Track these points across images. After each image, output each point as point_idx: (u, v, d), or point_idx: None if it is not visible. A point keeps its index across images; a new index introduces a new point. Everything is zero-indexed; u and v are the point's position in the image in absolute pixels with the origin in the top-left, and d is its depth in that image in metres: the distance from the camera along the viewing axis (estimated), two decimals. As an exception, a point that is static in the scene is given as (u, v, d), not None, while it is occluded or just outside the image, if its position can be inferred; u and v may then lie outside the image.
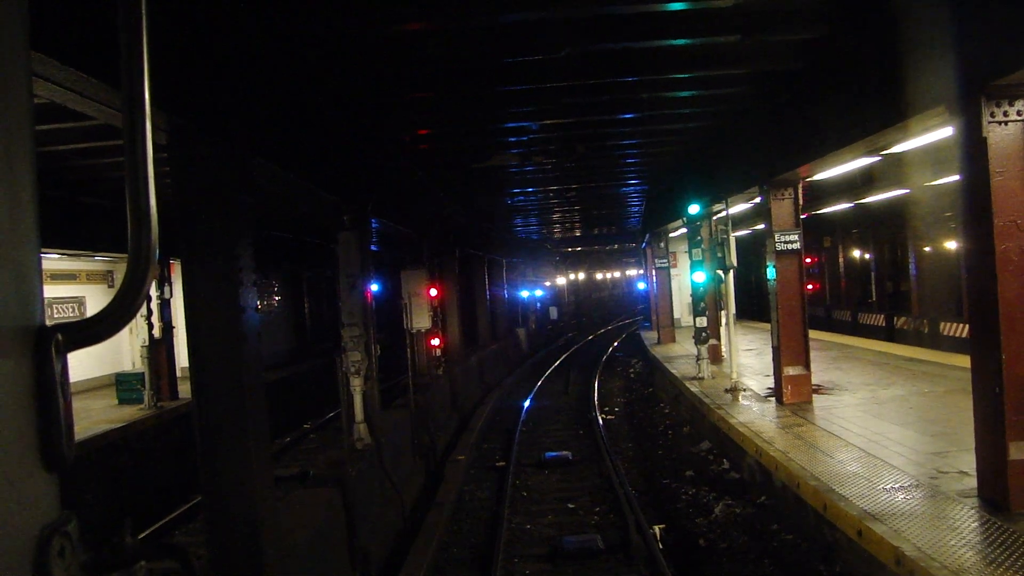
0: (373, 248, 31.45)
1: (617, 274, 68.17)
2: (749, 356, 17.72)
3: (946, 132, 7.50)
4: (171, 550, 1.50)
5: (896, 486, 6.94)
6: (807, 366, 11.31)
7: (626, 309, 58.14)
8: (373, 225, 21.39)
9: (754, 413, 10.96)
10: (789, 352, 11.21)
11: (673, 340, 22.51)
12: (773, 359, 11.60)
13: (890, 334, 26.24)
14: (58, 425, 1.20)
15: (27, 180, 1.20)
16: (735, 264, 12.74)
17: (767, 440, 9.16)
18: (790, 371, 11.25)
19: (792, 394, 11.23)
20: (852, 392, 11.90)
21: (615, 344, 35.45)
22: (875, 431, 9.01)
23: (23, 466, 1.15)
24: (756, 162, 11.52)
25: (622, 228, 37.33)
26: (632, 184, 20.78)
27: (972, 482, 6.61)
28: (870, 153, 9.56)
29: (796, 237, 11.17)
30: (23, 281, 1.18)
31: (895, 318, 26.98)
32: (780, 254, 11.17)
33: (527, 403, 20.90)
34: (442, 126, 11.28)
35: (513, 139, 12.29)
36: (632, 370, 26.90)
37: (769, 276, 11.49)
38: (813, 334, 23.84)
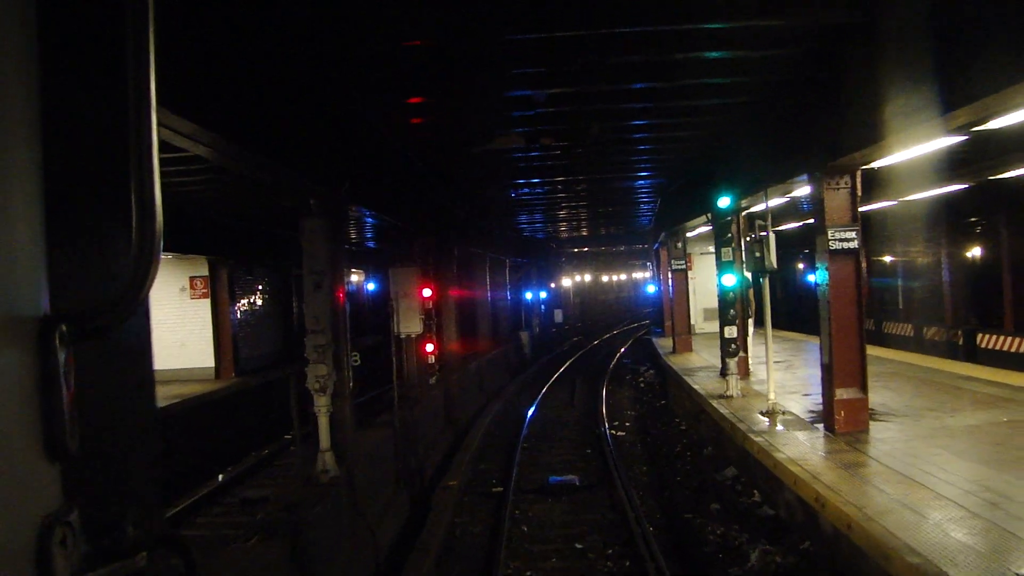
0: (369, 245, 29.73)
1: (623, 276, 66.60)
2: (778, 370, 15.87)
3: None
4: (172, 542, 1.54)
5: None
6: (864, 388, 9.48)
7: (632, 313, 56.69)
8: (367, 220, 19.73)
9: (803, 446, 9.12)
10: (843, 371, 9.39)
11: (690, 349, 20.66)
12: (822, 379, 9.79)
13: (919, 344, 24.49)
14: (61, 416, 1.21)
15: (33, 172, 1.23)
16: (775, 266, 10.94)
17: (831, 486, 7.30)
18: (843, 394, 9.43)
19: (845, 422, 9.41)
20: (913, 419, 10.06)
21: (622, 350, 33.76)
22: (968, 477, 7.14)
23: (26, 456, 1.16)
24: (805, 144, 9.71)
25: (630, 228, 35.92)
26: (644, 177, 18.98)
27: None
28: (956, 131, 7.74)
29: (853, 235, 9.37)
30: (28, 271, 1.19)
31: (924, 328, 25.23)
32: (834, 254, 9.36)
33: (529, 415, 19.15)
34: (437, 93, 9.46)
35: (518, 114, 10.46)
36: (642, 379, 25.22)
37: (819, 280, 9.69)
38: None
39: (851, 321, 9.46)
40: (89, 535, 1.27)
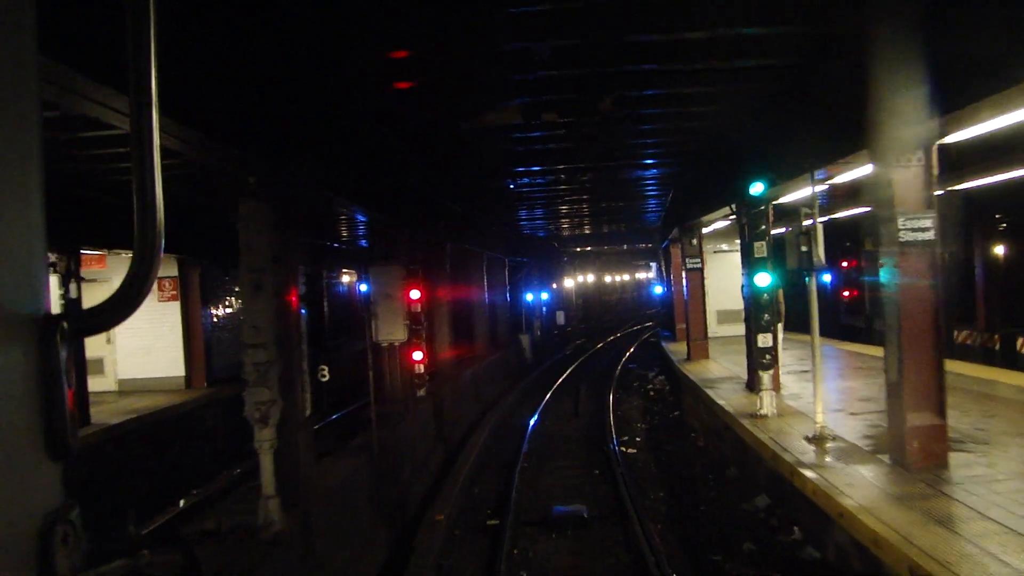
0: (362, 244, 28.00)
1: (626, 277, 64.86)
2: (802, 381, 14.09)
3: None
4: (175, 541, 1.64)
5: None
6: (942, 413, 7.66)
7: (636, 315, 55.13)
8: (358, 217, 17.91)
9: (871, 487, 7.29)
10: (915, 392, 7.58)
11: (707, 356, 18.83)
12: (888, 400, 7.97)
13: (949, 349, 22.72)
14: (63, 414, 1.20)
15: (34, 173, 1.22)
16: (824, 261, 9.15)
17: (930, 553, 5.44)
18: (916, 420, 7.61)
19: (921, 454, 7.59)
20: (997, 447, 8.26)
21: (628, 354, 32.01)
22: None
23: (28, 454, 1.15)
24: (867, 113, 7.90)
25: (634, 226, 34.35)
26: (655, 166, 17.18)
27: None
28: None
29: (929, 223, 7.56)
30: (29, 270, 1.19)
31: (954, 331, 23.49)
32: (906, 247, 7.54)
33: (529, 429, 17.38)
34: (424, 43, 7.65)
35: (518, 77, 8.62)
36: (650, 386, 23.48)
37: (883, 279, 7.88)
38: (853, 347, 20.26)
39: (926, 329, 7.65)
40: (91, 534, 1.24)
